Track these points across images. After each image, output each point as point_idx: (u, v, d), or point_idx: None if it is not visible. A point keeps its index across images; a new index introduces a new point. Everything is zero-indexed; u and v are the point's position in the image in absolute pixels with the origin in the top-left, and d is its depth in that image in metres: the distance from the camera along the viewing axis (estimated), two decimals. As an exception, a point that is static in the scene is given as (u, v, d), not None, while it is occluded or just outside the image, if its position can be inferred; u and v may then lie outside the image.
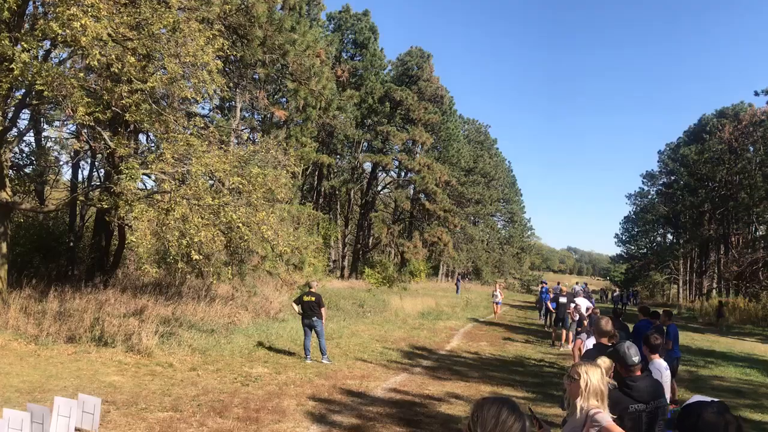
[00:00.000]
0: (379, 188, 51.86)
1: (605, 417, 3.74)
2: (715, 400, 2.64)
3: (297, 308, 13.47)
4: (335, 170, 47.32)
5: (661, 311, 12.25)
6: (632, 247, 74.71)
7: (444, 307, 30.06)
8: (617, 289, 71.39)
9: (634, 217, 72.97)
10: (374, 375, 12.22)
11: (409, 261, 47.23)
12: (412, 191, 50.84)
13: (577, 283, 30.60)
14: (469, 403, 10.25)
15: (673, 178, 63.44)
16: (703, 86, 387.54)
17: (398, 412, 9.15)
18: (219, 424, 7.85)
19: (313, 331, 13.16)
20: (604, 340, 6.29)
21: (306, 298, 13.23)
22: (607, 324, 6.25)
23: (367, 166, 48.25)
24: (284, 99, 29.67)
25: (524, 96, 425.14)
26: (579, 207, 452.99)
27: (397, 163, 48.33)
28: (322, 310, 13.29)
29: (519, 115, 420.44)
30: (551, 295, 25.19)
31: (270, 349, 14.13)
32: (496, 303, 29.10)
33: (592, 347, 6.70)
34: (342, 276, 42.93)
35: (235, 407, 8.77)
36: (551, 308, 21.82)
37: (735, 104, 55.58)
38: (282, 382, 10.89)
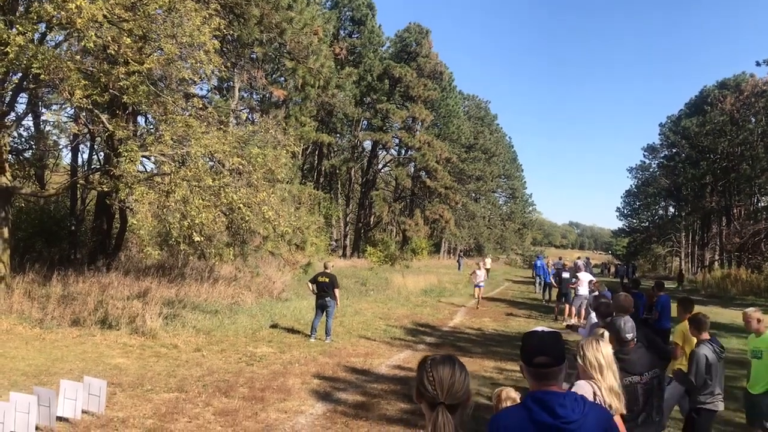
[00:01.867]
0: (380, 166, 51.77)
1: (580, 389, 3.70)
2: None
3: (312, 287, 13.60)
4: (335, 149, 47.22)
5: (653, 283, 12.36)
6: (634, 221, 74.65)
7: (446, 284, 30.13)
8: (618, 262, 71.47)
9: (635, 190, 72.83)
10: (378, 352, 12.29)
11: (411, 239, 47.31)
12: (412, 169, 50.74)
13: (578, 258, 29.73)
14: (472, 379, 10.23)
15: (674, 150, 63.17)
16: (705, 57, 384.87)
17: (402, 389, 9.21)
18: (224, 404, 7.90)
19: (323, 312, 13.27)
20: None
21: (321, 279, 13.36)
22: (626, 299, 6.17)
23: (367, 145, 48.15)
24: (282, 78, 29.48)
25: (524, 67, 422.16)
26: (581, 182, 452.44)
27: (397, 140, 48.19)
28: (336, 291, 13.39)
29: (519, 88, 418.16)
30: (551, 270, 25.23)
31: (274, 328, 14.19)
32: (477, 286, 22.00)
33: (592, 325, 6.69)
34: (344, 255, 43.02)
35: (240, 387, 8.82)
36: (554, 283, 21.88)
37: (736, 75, 55.15)
38: (286, 361, 10.94)
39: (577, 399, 2.58)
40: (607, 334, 4.81)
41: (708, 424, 6.31)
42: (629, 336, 4.66)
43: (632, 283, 13.52)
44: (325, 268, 13.83)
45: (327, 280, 13.31)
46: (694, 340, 6.42)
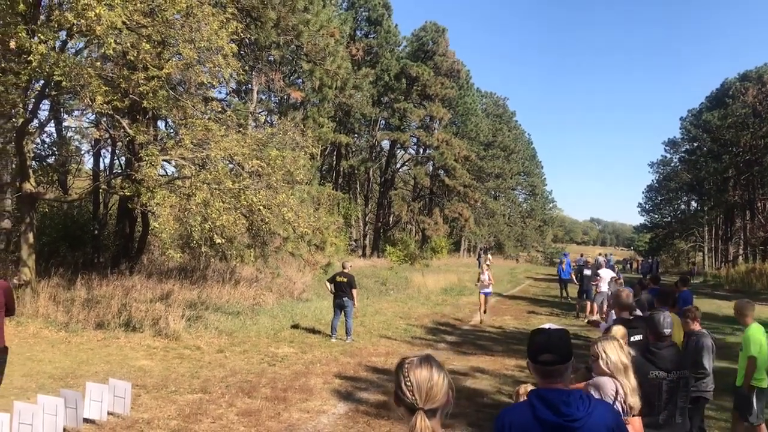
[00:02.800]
0: (398, 166, 51.72)
1: (594, 391, 3.71)
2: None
3: (330, 287, 13.69)
4: (353, 149, 47.24)
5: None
6: (656, 216, 73.85)
7: (467, 282, 30.05)
8: (640, 258, 70.71)
9: (657, 185, 72.02)
10: (399, 352, 12.30)
11: (431, 237, 47.23)
12: (431, 168, 50.64)
13: (600, 254, 29.32)
14: (494, 377, 10.31)
15: (696, 144, 62.44)
16: (726, 49, 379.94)
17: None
18: (248, 404, 7.97)
19: (342, 312, 13.33)
20: (625, 314, 6.19)
21: (339, 279, 13.45)
22: (628, 297, 6.18)
23: (385, 144, 48.11)
24: (300, 80, 29.60)
25: (543, 63, 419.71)
26: (602, 178, 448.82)
27: (415, 139, 48.10)
28: (354, 291, 13.45)
29: (537, 84, 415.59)
30: (572, 269, 25.03)
31: (295, 329, 14.27)
32: (485, 294, 17.71)
33: (612, 321, 6.67)
34: (364, 255, 43.06)
35: (262, 387, 8.89)
36: (574, 280, 21.75)
37: (758, 67, 54.33)
38: (308, 361, 11.01)
39: (582, 397, 2.58)
40: (619, 333, 4.81)
41: (702, 410, 6.72)
42: (667, 331, 4.66)
43: (653, 280, 13.39)
44: (344, 268, 13.90)
45: (345, 280, 13.38)
46: (681, 333, 6.69)
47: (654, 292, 11.51)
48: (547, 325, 2.77)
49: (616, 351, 3.86)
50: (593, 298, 18.18)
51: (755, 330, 6.55)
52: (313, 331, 14.17)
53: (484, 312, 17.72)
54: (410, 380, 2.09)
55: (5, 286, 6.46)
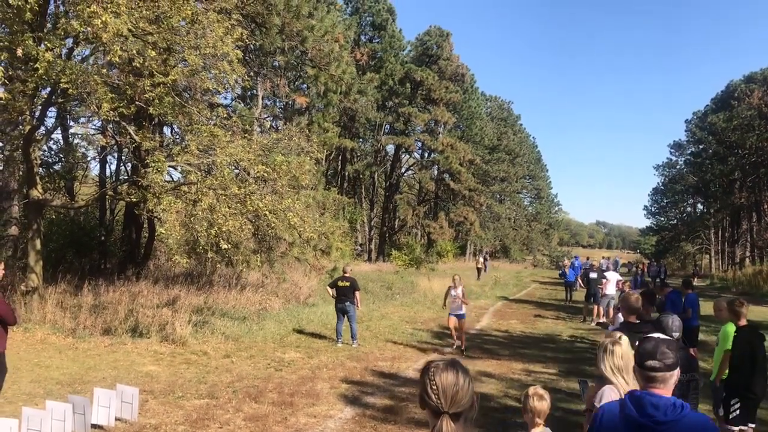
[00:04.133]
0: (403, 170, 51.76)
1: (605, 400, 3.73)
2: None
3: (331, 292, 13.64)
4: (358, 154, 47.34)
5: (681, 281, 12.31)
6: (662, 219, 73.66)
7: (473, 286, 30.02)
8: (646, 261, 70.41)
9: (662, 188, 71.87)
10: (405, 356, 12.31)
11: (436, 242, 47.19)
12: (436, 172, 50.66)
13: (603, 257, 29.06)
14: (500, 381, 10.30)
15: (701, 147, 62.24)
16: (731, 51, 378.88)
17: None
18: (255, 409, 7.99)
19: (345, 316, 13.32)
20: (632, 318, 6.12)
21: (341, 284, 13.43)
22: (636, 301, 6.13)
23: (390, 149, 48.17)
24: (305, 85, 29.67)
25: (548, 66, 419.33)
26: (607, 181, 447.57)
27: (420, 144, 48.17)
28: (357, 294, 13.48)
29: (542, 88, 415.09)
30: (567, 270, 24.95)
31: (301, 333, 14.28)
32: (457, 316, 13.38)
33: (619, 325, 6.63)
34: (369, 259, 43.09)
35: (269, 392, 8.91)
36: (581, 284, 21.72)
37: (764, 68, 54.23)
38: (314, 366, 11.02)
39: (676, 404, 2.68)
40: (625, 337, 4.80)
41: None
42: (676, 335, 4.67)
43: (661, 284, 13.39)
44: (344, 272, 13.90)
45: (347, 284, 13.39)
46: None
47: (693, 296, 11.59)
48: (655, 335, 2.93)
49: (622, 351, 3.87)
50: (599, 301, 18.15)
51: (732, 326, 6.58)
52: (319, 335, 14.19)
53: (458, 340, 13.39)
54: (436, 384, 2.12)
55: None
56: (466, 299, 13.71)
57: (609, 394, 3.74)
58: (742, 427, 6.23)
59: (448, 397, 2.11)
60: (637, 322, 5.95)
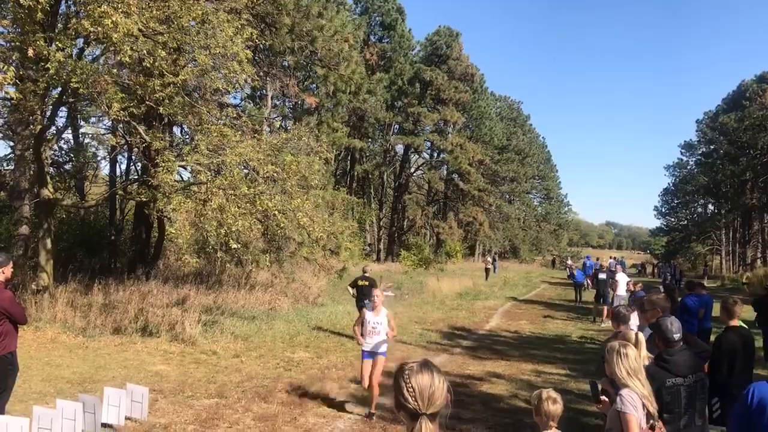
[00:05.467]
0: (412, 170, 51.72)
1: (628, 402, 3.71)
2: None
3: (352, 291, 14.02)
4: (367, 154, 47.33)
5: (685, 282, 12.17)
6: (672, 219, 73.28)
7: (482, 286, 29.99)
8: (655, 262, 69.96)
9: (673, 188, 71.48)
10: (414, 356, 12.22)
11: (445, 242, 47.15)
12: (445, 172, 50.62)
13: (611, 258, 28.84)
14: (510, 382, 10.26)
15: (712, 147, 61.85)
16: (742, 52, 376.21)
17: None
18: (264, 409, 7.98)
19: None
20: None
21: (360, 283, 13.82)
22: (666, 300, 6.02)
23: (399, 149, 48.15)
24: (314, 85, 29.71)
25: (557, 66, 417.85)
26: (618, 181, 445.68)
27: (429, 144, 48.13)
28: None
29: (552, 88, 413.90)
30: (574, 271, 24.84)
31: (311, 333, 14.28)
32: (372, 355, 8.21)
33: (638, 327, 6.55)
34: (378, 259, 43.08)
35: (278, 392, 8.90)
36: (590, 285, 21.63)
37: (775, 68, 53.91)
38: (324, 366, 11.01)
39: None
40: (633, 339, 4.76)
41: None
42: (676, 336, 4.60)
43: (667, 291, 13.22)
44: (364, 272, 14.28)
45: (367, 283, 13.67)
46: None
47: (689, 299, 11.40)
48: None
49: (635, 354, 3.85)
50: (610, 303, 18.06)
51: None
52: (328, 335, 14.18)
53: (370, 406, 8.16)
54: (412, 386, 2.12)
55: (9, 297, 6.48)
56: (393, 327, 8.41)
57: (630, 396, 3.73)
58: (723, 428, 6.09)
59: (425, 398, 2.10)
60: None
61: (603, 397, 4.30)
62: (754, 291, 34.75)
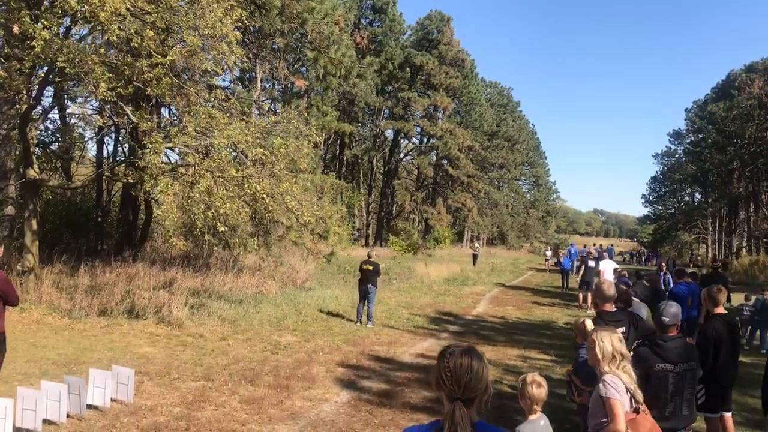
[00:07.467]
0: (402, 155, 51.69)
1: (611, 387, 3.70)
2: None
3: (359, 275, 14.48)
4: (357, 138, 47.20)
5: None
6: (660, 208, 73.75)
7: (469, 272, 30.08)
8: (642, 249, 70.40)
9: (661, 177, 71.89)
10: (401, 341, 12.32)
11: (434, 227, 47.23)
12: (434, 157, 50.58)
13: (594, 245, 28.88)
14: (496, 367, 10.31)
15: (700, 136, 62.16)
16: (731, 41, 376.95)
17: (426, 377, 9.22)
18: (250, 392, 7.99)
19: (366, 299, 13.97)
20: (608, 307, 5.87)
21: (364, 267, 14.18)
22: (609, 288, 5.91)
23: (389, 134, 48.12)
24: (304, 68, 29.54)
25: (548, 53, 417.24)
26: (606, 169, 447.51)
27: (419, 129, 48.08)
28: (378, 279, 14.29)
29: (542, 75, 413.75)
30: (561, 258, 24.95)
31: (298, 317, 14.28)
32: None
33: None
34: (367, 244, 43.05)
35: (265, 375, 8.91)
36: (575, 272, 21.73)
37: (765, 58, 53.95)
38: (311, 349, 11.02)
39: None
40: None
41: None
42: (666, 319, 4.60)
43: (677, 274, 13.27)
44: (369, 256, 14.63)
45: (371, 268, 14.09)
46: None
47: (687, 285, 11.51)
48: None
49: (611, 340, 3.85)
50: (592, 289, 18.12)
51: None
52: (315, 319, 14.20)
53: None
54: (450, 370, 2.18)
55: (3, 277, 6.44)
56: None
57: (612, 381, 3.74)
58: (710, 414, 6.08)
59: (461, 383, 2.16)
60: (613, 310, 5.85)
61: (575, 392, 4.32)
62: (740, 280, 35.08)
